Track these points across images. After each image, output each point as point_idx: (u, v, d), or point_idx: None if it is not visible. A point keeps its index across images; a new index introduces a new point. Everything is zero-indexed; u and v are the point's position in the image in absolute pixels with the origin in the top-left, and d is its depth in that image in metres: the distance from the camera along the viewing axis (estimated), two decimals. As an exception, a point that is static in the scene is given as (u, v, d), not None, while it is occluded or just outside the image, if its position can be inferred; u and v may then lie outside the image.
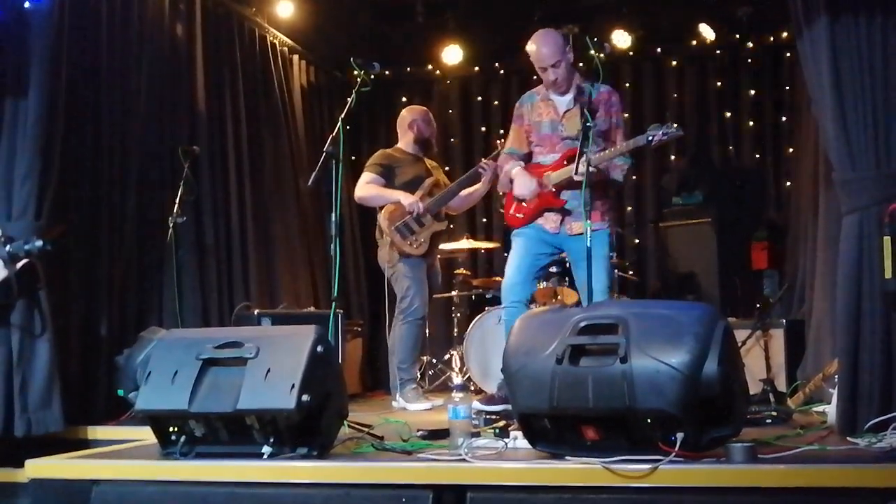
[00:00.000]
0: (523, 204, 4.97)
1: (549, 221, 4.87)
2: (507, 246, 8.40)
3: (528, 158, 5.04)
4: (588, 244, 4.31)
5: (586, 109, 4.51)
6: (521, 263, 4.93)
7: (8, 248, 4.27)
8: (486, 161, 6.13)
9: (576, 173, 4.49)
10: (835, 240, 4.08)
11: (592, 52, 4.58)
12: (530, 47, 4.89)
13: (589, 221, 4.37)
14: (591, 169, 4.47)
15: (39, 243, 4.30)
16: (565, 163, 4.74)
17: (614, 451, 3.02)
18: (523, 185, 4.89)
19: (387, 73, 8.43)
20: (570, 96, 4.90)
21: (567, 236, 4.84)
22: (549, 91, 4.93)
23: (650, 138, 4.59)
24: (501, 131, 8.66)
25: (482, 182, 6.14)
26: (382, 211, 5.91)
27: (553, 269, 6.05)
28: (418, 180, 6.00)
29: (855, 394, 3.63)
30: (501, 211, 5.22)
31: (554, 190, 4.81)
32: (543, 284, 6.06)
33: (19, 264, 4.30)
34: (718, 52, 8.14)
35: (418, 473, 3.18)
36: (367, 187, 5.97)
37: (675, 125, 4.60)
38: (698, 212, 7.51)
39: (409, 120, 6.19)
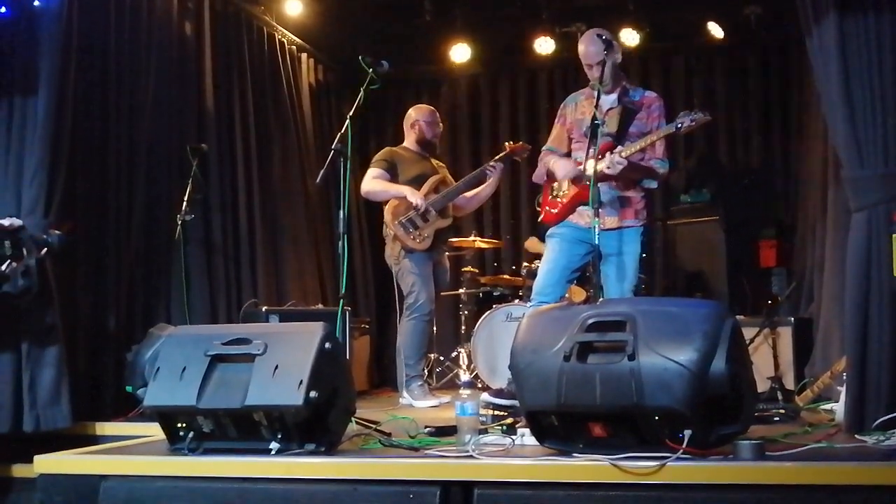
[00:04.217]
0: (558, 199, 4.97)
1: (584, 217, 4.86)
2: (514, 244, 8.55)
3: (567, 157, 5.07)
4: (596, 240, 4.31)
5: (624, 108, 4.62)
6: (554, 266, 4.91)
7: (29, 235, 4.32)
8: (493, 162, 6.13)
9: (606, 167, 4.59)
10: (843, 237, 4.08)
11: (604, 49, 4.63)
12: (579, 46, 4.94)
13: (613, 217, 4.58)
14: (618, 160, 4.60)
15: (57, 234, 4.35)
16: (600, 156, 4.72)
17: (622, 447, 3.02)
18: (563, 167, 4.93)
19: (395, 71, 8.41)
20: (614, 96, 4.93)
21: (599, 231, 4.83)
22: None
23: (679, 125, 4.64)
24: (509, 130, 8.68)
25: (488, 183, 6.14)
26: (387, 206, 5.92)
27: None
28: (423, 177, 6.01)
29: (863, 391, 3.63)
30: (538, 209, 5.21)
31: (588, 184, 4.78)
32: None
33: (42, 252, 4.34)
34: (727, 50, 8.12)
35: (426, 470, 3.18)
36: (373, 182, 5.99)
37: (704, 111, 4.64)
38: (706, 210, 7.50)
39: (412, 119, 6.20)
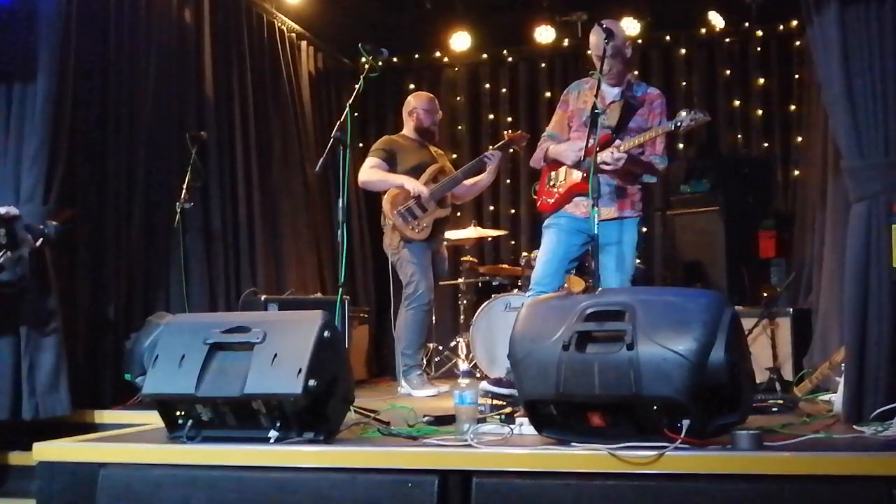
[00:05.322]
0: (555, 189, 4.97)
1: (580, 207, 4.86)
2: (513, 234, 8.55)
3: None
4: (594, 231, 4.31)
5: (627, 102, 4.62)
6: (552, 257, 4.91)
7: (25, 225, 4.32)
8: (491, 150, 6.12)
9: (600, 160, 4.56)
10: (842, 228, 4.07)
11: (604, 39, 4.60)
12: (590, 37, 4.91)
13: (614, 209, 4.65)
14: (618, 156, 4.60)
15: (54, 224, 4.35)
16: (598, 149, 4.69)
17: (620, 437, 3.03)
18: (570, 154, 4.86)
19: (395, 59, 8.44)
20: (618, 90, 4.92)
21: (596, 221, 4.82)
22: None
23: (678, 124, 4.62)
24: (509, 119, 8.68)
25: (487, 171, 6.13)
26: (385, 195, 5.91)
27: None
28: (422, 166, 5.99)
29: (861, 382, 3.63)
30: (534, 197, 5.21)
31: (585, 175, 4.77)
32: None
33: (37, 243, 4.34)
34: (727, 39, 8.12)
35: (424, 459, 3.19)
36: (370, 172, 5.97)
37: (703, 111, 4.62)
38: (706, 200, 7.49)
39: (411, 107, 6.18)
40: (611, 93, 4.90)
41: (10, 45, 4.56)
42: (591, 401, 3.11)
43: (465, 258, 7.55)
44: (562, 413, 3.21)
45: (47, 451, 3.59)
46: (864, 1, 3.72)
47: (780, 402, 4.41)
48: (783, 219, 7.40)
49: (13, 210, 4.32)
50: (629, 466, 2.94)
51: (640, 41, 8.00)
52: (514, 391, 4.10)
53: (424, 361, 6.22)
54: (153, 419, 3.87)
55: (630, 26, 7.68)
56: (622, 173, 4.80)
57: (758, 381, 4.54)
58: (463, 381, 3.59)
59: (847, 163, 3.82)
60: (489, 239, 8.27)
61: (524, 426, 3.49)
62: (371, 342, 7.63)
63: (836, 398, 3.94)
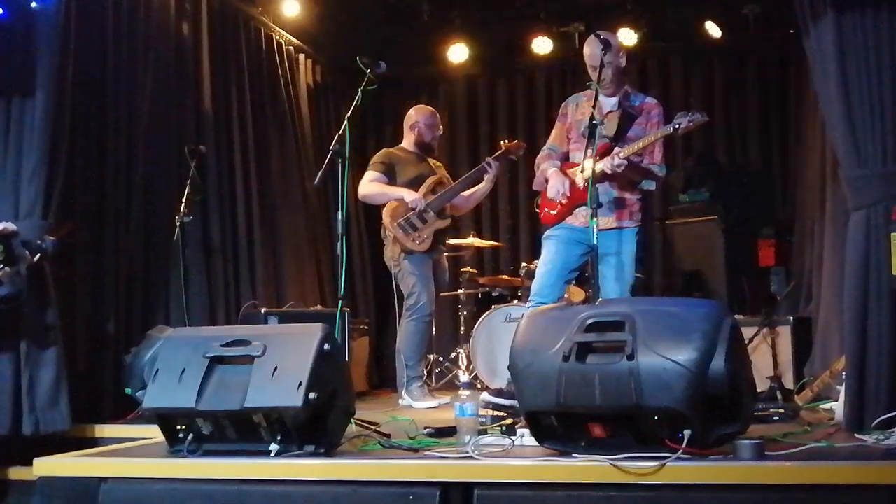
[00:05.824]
0: (557, 201, 4.98)
1: (579, 217, 4.87)
2: (514, 244, 8.54)
3: (566, 157, 5.06)
4: (594, 241, 4.31)
5: (625, 112, 4.67)
6: (552, 268, 4.91)
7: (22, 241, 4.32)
8: (490, 160, 6.12)
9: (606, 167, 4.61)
10: (842, 236, 4.08)
11: (601, 49, 4.61)
12: (585, 48, 4.93)
13: (613, 218, 4.68)
14: (618, 162, 4.60)
15: (52, 239, 4.35)
16: (598, 157, 4.67)
17: (621, 448, 3.02)
18: (554, 186, 4.88)
19: (392, 71, 8.42)
20: (615, 100, 4.93)
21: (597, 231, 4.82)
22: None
23: (677, 126, 4.62)
24: (507, 130, 8.68)
25: (485, 181, 6.13)
26: (385, 208, 5.91)
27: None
28: (421, 178, 6.00)
29: (862, 390, 3.63)
30: (537, 210, 5.21)
31: (585, 186, 4.78)
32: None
33: (35, 258, 4.34)
34: (725, 49, 8.13)
35: (425, 471, 3.19)
36: (369, 185, 5.98)
37: (701, 111, 4.63)
38: (705, 209, 7.49)
39: (413, 120, 6.18)
40: (608, 103, 4.92)
41: (9, 59, 4.57)
42: (591, 411, 3.11)
43: (465, 269, 7.55)
44: (563, 424, 3.20)
45: (48, 465, 3.59)
46: (861, 10, 3.73)
47: (782, 410, 4.40)
48: (782, 227, 7.40)
49: (10, 226, 4.32)
50: (631, 477, 2.94)
51: (637, 52, 8.01)
52: (514, 402, 4.09)
53: (425, 373, 6.21)
54: (154, 433, 3.86)
55: (627, 37, 7.69)
56: (622, 181, 4.81)
57: (759, 390, 4.52)
58: (464, 393, 3.59)
59: (845, 171, 3.83)
60: (489, 249, 8.27)
61: (525, 437, 3.49)
62: (371, 354, 7.62)
63: (838, 407, 3.93)
